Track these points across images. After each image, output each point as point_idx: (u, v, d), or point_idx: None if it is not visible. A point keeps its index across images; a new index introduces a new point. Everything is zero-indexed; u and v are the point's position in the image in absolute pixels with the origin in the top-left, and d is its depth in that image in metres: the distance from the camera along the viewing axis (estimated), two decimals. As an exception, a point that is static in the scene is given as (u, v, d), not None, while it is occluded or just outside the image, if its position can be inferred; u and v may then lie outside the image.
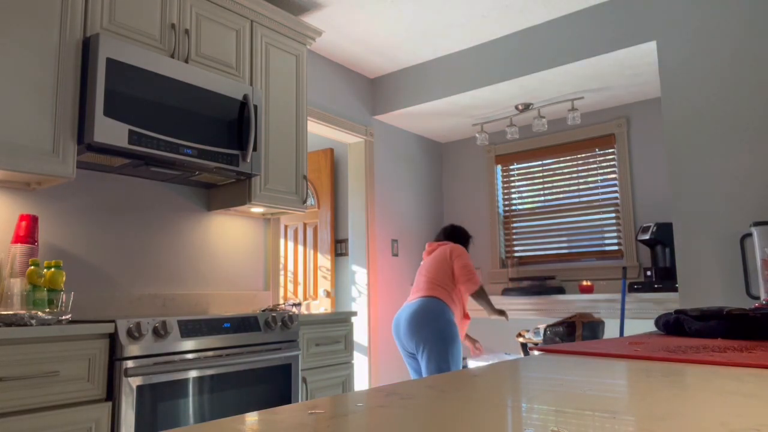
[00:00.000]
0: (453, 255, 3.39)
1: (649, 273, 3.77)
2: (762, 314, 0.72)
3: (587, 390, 0.41)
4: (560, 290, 4.24)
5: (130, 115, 2.14)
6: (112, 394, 1.84)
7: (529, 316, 4.36)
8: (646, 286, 3.71)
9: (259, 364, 2.26)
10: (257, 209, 2.92)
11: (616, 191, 4.20)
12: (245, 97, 2.57)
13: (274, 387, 2.32)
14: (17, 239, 2.08)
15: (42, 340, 1.70)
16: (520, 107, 4.20)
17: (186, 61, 2.47)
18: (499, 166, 4.82)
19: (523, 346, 3.85)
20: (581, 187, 4.36)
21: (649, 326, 3.87)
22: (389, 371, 4.23)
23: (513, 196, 4.73)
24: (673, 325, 0.83)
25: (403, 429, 0.32)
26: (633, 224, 4.09)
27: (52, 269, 2.01)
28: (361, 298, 4.16)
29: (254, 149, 2.57)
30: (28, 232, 2.09)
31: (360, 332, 4.10)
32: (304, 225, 4.76)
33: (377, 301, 4.20)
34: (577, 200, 4.37)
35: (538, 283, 4.31)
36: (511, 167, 4.75)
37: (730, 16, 2.84)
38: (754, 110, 2.72)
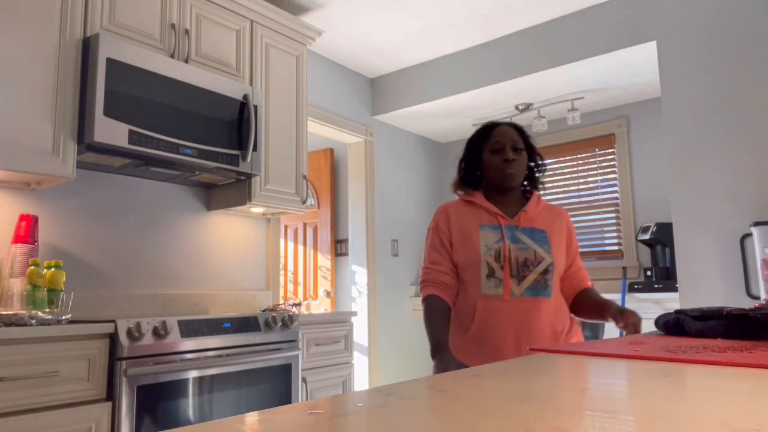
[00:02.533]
0: None
1: (649, 273, 3.77)
2: (762, 314, 0.72)
3: (587, 390, 0.41)
4: (560, 290, 4.24)
5: (130, 115, 2.14)
6: (112, 394, 1.84)
7: (529, 316, 4.36)
8: (646, 286, 3.71)
9: (259, 364, 2.26)
10: (257, 209, 2.92)
11: (616, 191, 4.19)
12: (245, 97, 2.57)
13: (274, 387, 2.32)
14: (17, 239, 2.08)
15: (42, 340, 1.70)
16: (520, 107, 4.19)
17: (186, 61, 2.47)
18: (499, 166, 4.82)
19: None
20: (581, 187, 4.36)
21: (649, 326, 3.88)
22: (389, 371, 4.23)
23: (513, 196, 4.73)
24: (673, 325, 0.83)
25: (403, 429, 0.32)
26: (633, 224, 4.08)
27: (52, 269, 2.00)
28: (361, 298, 4.15)
29: (254, 149, 2.57)
30: (28, 232, 2.09)
31: (360, 332, 4.10)
32: (304, 225, 4.76)
33: (377, 301, 4.20)
34: (577, 200, 4.36)
35: (538, 283, 4.31)
36: (511, 167, 4.75)
37: (730, 16, 2.84)
38: (755, 110, 2.72)
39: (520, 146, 1.73)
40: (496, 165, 1.71)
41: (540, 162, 1.82)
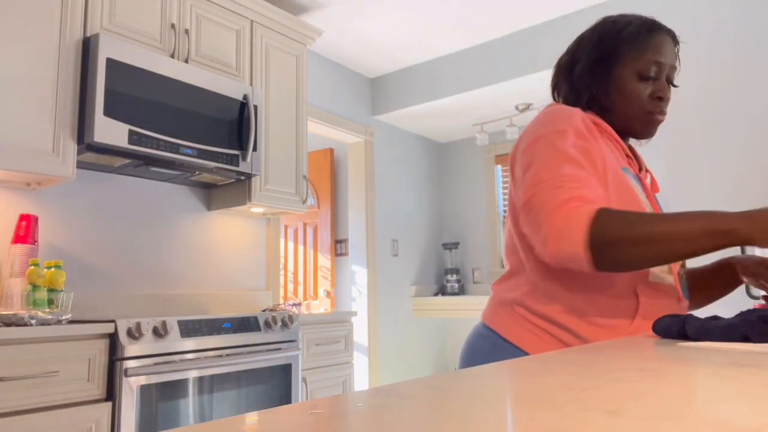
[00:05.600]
0: (514, 161, 1.08)
1: (649, 273, 3.77)
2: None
3: (587, 390, 0.41)
4: (560, 290, 4.23)
5: (130, 115, 2.15)
6: (112, 394, 1.84)
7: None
8: (646, 286, 3.71)
9: (259, 364, 2.26)
10: (257, 209, 2.92)
11: (616, 191, 4.20)
12: (245, 97, 2.57)
13: (274, 387, 2.32)
14: (17, 239, 2.08)
15: (42, 340, 1.70)
16: (520, 107, 4.19)
17: (186, 61, 2.47)
18: (499, 166, 4.82)
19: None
20: (581, 187, 4.35)
21: (649, 326, 3.87)
22: (389, 371, 4.23)
23: (513, 196, 4.73)
24: (674, 328, 0.82)
25: (403, 429, 0.32)
26: (633, 224, 4.08)
27: (52, 269, 2.01)
28: (361, 298, 4.16)
29: (254, 149, 2.57)
30: (28, 232, 2.09)
31: (360, 332, 4.10)
32: (304, 225, 4.76)
33: (377, 301, 4.20)
34: (577, 200, 4.36)
35: (538, 283, 4.30)
36: (511, 167, 4.75)
37: (730, 17, 2.84)
38: (754, 110, 2.72)
39: (673, 77, 1.11)
40: (642, 102, 1.06)
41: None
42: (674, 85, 1.12)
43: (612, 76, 1.09)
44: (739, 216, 0.82)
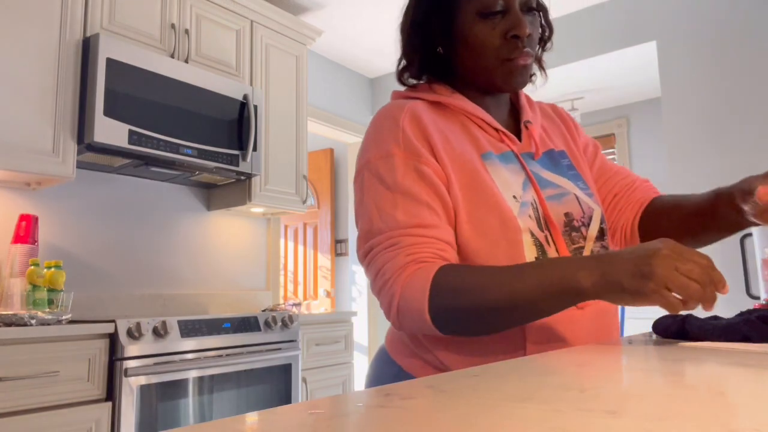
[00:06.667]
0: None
1: (649, 273, 3.77)
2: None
3: (587, 390, 0.41)
4: (560, 290, 4.23)
5: (130, 115, 2.14)
6: (112, 394, 1.84)
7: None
8: (646, 286, 3.71)
9: (259, 364, 2.26)
10: (257, 209, 2.92)
11: (616, 191, 4.20)
12: (245, 97, 2.57)
13: (274, 387, 2.32)
14: (17, 239, 2.08)
15: (42, 340, 1.70)
16: (520, 107, 4.20)
17: (186, 62, 2.47)
18: (499, 166, 4.82)
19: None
20: (581, 187, 4.35)
21: (649, 326, 3.87)
22: (389, 371, 4.23)
23: (513, 196, 4.72)
24: (674, 328, 0.82)
25: (403, 429, 0.32)
26: (633, 224, 4.08)
27: (52, 269, 2.01)
28: (361, 298, 4.16)
29: (254, 149, 2.57)
30: (28, 232, 2.09)
31: (360, 332, 4.10)
32: (304, 225, 4.76)
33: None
34: (577, 200, 4.36)
35: (538, 283, 4.30)
36: (511, 167, 4.75)
37: (730, 16, 2.84)
38: (755, 110, 2.72)
39: (533, 2, 0.89)
40: (494, 47, 0.86)
41: (548, 24, 0.96)
42: (541, 10, 0.91)
43: (453, 27, 0.88)
44: (589, 266, 0.67)
